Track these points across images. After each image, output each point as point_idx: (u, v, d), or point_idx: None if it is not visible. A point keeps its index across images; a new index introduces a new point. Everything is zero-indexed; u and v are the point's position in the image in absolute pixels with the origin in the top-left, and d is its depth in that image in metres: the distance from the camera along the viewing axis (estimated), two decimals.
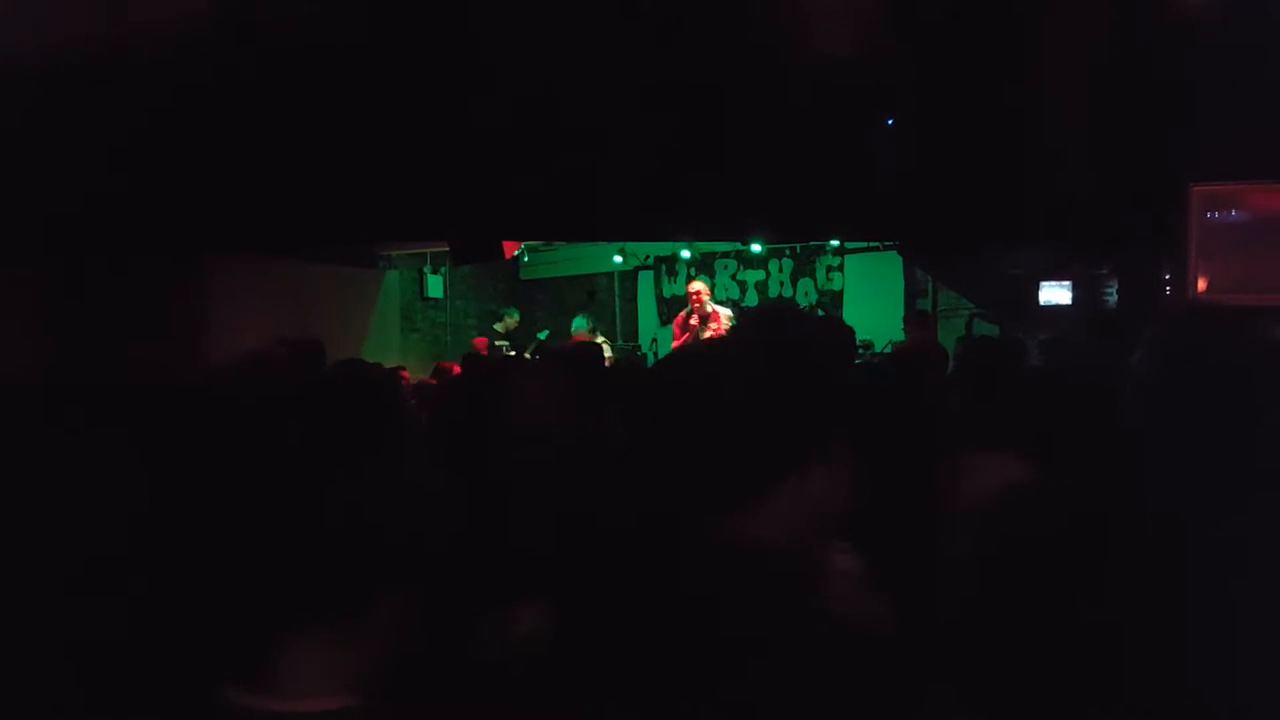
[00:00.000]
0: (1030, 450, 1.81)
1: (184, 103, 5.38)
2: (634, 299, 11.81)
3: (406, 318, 10.60)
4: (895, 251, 9.42)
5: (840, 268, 10.75)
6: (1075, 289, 5.52)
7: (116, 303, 6.64)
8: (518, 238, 9.81)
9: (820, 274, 10.86)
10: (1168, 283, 4.03)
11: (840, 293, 10.79)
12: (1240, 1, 3.51)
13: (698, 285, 8.76)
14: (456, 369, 7.39)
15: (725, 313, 8.60)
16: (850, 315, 10.39)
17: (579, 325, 9.23)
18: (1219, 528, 1.33)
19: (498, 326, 9.76)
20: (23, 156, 5.15)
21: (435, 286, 10.71)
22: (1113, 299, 5.19)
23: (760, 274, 11.18)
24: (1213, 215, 3.65)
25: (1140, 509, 1.32)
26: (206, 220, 6.45)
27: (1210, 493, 1.40)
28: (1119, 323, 4.92)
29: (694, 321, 8.45)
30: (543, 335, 9.80)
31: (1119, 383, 1.78)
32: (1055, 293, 5.77)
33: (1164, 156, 4.07)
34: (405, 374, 8.55)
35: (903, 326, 8.03)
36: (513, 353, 9.36)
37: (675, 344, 8.60)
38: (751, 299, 11.16)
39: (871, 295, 10.20)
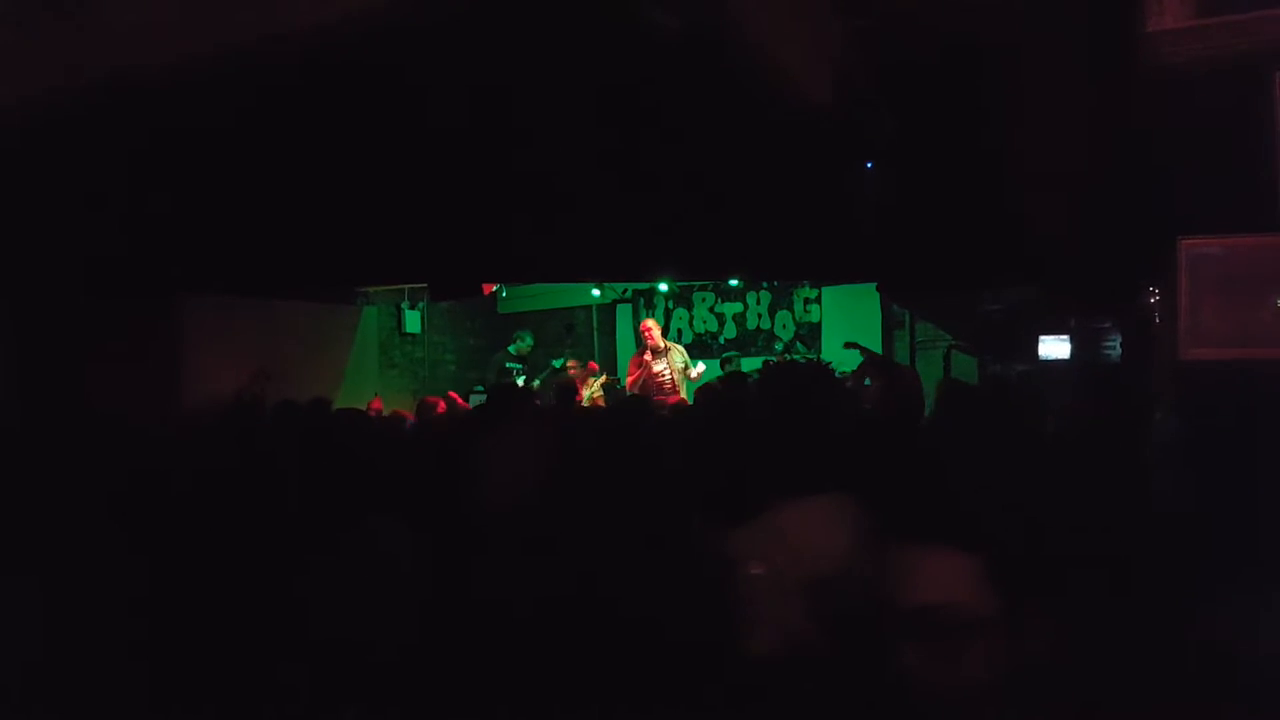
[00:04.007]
0: None
1: (167, 149, 5.36)
2: (612, 332, 11.75)
3: (384, 353, 10.51)
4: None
5: (818, 300, 10.74)
6: (1072, 341, 5.55)
7: (99, 340, 6.76)
8: (496, 280, 9.79)
9: (798, 306, 10.85)
10: (1156, 337, 4.03)
11: (818, 325, 10.77)
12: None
13: (649, 323, 9.41)
14: (442, 405, 7.26)
15: (676, 347, 9.31)
16: (829, 347, 10.39)
17: (558, 365, 9.49)
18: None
19: (511, 349, 9.70)
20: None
21: (413, 322, 10.64)
22: (1113, 352, 5.20)
23: (738, 306, 11.16)
24: (1202, 269, 3.65)
25: None
26: (188, 259, 6.42)
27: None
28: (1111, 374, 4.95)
29: (647, 357, 8.97)
30: (557, 363, 9.73)
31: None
32: (1054, 346, 5.82)
33: (1147, 208, 4.08)
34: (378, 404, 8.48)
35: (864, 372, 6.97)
36: (523, 378, 9.39)
37: (629, 380, 9.09)
38: (730, 331, 11.15)
39: (849, 327, 10.16)
